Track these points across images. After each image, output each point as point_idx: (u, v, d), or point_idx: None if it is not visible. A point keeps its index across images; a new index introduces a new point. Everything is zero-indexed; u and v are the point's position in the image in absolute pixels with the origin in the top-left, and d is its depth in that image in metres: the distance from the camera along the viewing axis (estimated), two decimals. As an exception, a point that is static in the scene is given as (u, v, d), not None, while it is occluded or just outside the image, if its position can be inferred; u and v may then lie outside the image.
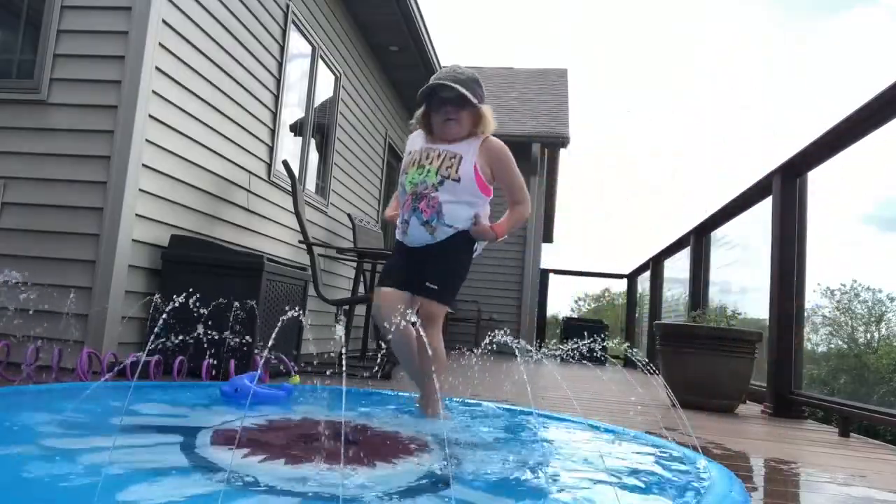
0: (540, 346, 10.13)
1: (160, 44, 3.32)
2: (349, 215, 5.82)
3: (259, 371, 2.72)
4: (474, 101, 2.49)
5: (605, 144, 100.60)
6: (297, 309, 3.89)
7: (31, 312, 2.98)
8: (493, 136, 2.59)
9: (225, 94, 4.02)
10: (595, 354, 2.11)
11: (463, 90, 2.44)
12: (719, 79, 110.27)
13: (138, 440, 1.70)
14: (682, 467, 1.85)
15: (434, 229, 2.43)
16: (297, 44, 5.15)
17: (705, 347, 4.20)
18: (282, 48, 4.80)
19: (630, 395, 4.38)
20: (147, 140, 3.28)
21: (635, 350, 3.12)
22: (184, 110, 3.59)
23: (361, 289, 5.39)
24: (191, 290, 2.34)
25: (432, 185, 2.42)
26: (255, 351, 3.30)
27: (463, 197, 2.43)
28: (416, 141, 2.63)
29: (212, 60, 3.84)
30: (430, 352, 2.32)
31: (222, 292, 3.16)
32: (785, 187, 4.28)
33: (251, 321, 3.33)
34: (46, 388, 2.32)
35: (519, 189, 2.56)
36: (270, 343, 3.39)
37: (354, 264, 5.62)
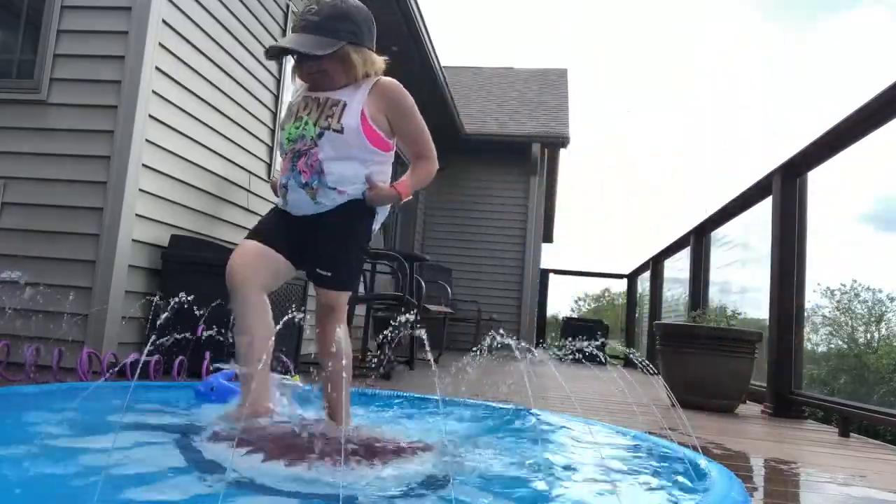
0: (539, 346, 10.13)
1: (160, 44, 3.32)
2: (349, 215, 5.81)
3: (233, 370, 2.57)
4: (322, 52, 2.00)
5: (605, 144, 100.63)
6: (300, 310, 3.89)
7: (31, 312, 2.98)
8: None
9: (225, 94, 4.02)
10: (595, 355, 2.09)
11: (304, 50, 2.02)
12: (719, 79, 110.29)
13: (138, 440, 1.70)
14: (682, 467, 1.85)
15: (315, 192, 1.99)
16: (297, 44, 5.14)
17: (705, 347, 4.20)
18: (282, 48, 4.79)
19: (630, 395, 4.38)
20: (147, 140, 3.28)
21: (634, 350, 3.12)
22: (184, 110, 3.59)
23: (361, 289, 5.38)
24: (191, 290, 2.34)
25: (311, 139, 1.99)
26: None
27: (350, 152, 1.99)
28: (298, 93, 2.21)
29: (212, 60, 3.84)
30: (333, 349, 1.99)
31: (222, 292, 3.15)
32: (785, 187, 4.28)
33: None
34: (46, 388, 2.32)
35: (423, 141, 2.13)
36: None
37: (354, 264, 5.61)
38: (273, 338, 2.02)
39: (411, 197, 2.14)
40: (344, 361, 2.00)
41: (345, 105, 2.01)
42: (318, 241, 2.04)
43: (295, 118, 2.07)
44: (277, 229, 2.08)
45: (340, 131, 1.98)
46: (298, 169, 2.00)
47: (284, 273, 2.09)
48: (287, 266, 2.06)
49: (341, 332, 2.04)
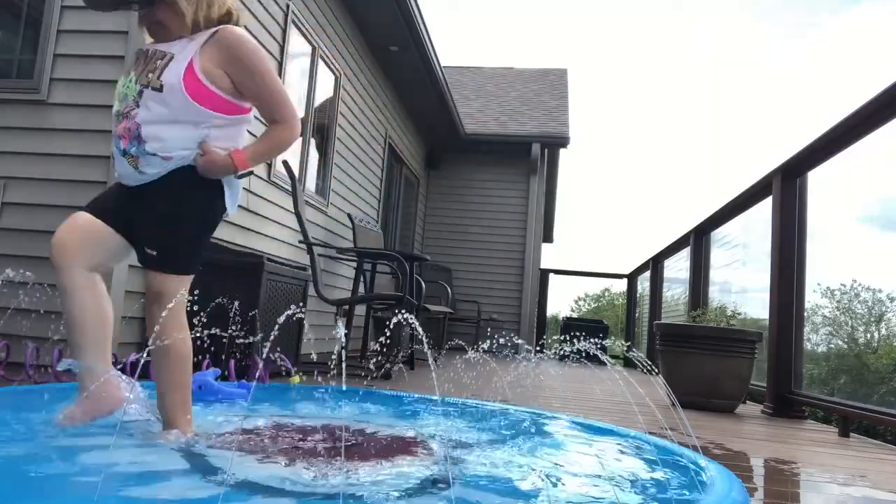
0: (541, 347, 10.14)
1: (160, 44, 3.31)
2: (349, 215, 5.82)
3: (217, 369, 2.65)
4: None
5: (605, 144, 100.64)
6: (299, 306, 3.90)
7: (31, 312, 2.98)
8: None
9: (225, 94, 4.02)
10: (595, 354, 2.10)
11: None
12: (720, 78, 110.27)
13: (138, 440, 1.70)
14: (682, 467, 1.85)
15: (137, 161, 1.72)
16: (297, 44, 5.15)
17: (705, 347, 4.20)
18: (282, 48, 4.80)
19: (630, 395, 4.38)
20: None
21: (634, 350, 3.12)
22: (184, 110, 3.59)
23: (361, 289, 5.38)
24: (190, 289, 2.34)
25: (133, 98, 1.74)
26: (256, 348, 3.30)
27: (176, 114, 1.72)
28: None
29: (212, 60, 3.83)
30: (166, 341, 1.75)
31: (222, 292, 3.16)
32: (785, 187, 4.28)
33: (251, 321, 3.33)
34: (46, 388, 2.32)
35: (276, 102, 1.84)
36: (270, 343, 3.40)
37: (354, 264, 5.62)
38: (110, 324, 1.80)
39: (252, 169, 1.85)
40: (171, 358, 1.80)
41: (171, 58, 1.73)
42: (146, 216, 1.78)
43: (125, 75, 1.80)
44: (113, 201, 1.83)
45: (160, 89, 1.70)
46: (118, 134, 1.75)
47: (118, 251, 1.84)
48: (122, 243, 1.82)
49: (175, 326, 1.80)
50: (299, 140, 5.42)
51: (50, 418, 1.77)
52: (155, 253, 1.76)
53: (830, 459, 2.63)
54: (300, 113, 5.37)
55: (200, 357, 2.99)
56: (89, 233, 1.77)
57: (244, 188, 4.33)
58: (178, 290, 1.79)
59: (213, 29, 1.79)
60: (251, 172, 1.85)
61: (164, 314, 1.73)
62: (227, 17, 1.88)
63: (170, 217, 1.78)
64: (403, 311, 1.99)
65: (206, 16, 1.79)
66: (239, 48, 1.79)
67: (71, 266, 1.72)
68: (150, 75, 1.72)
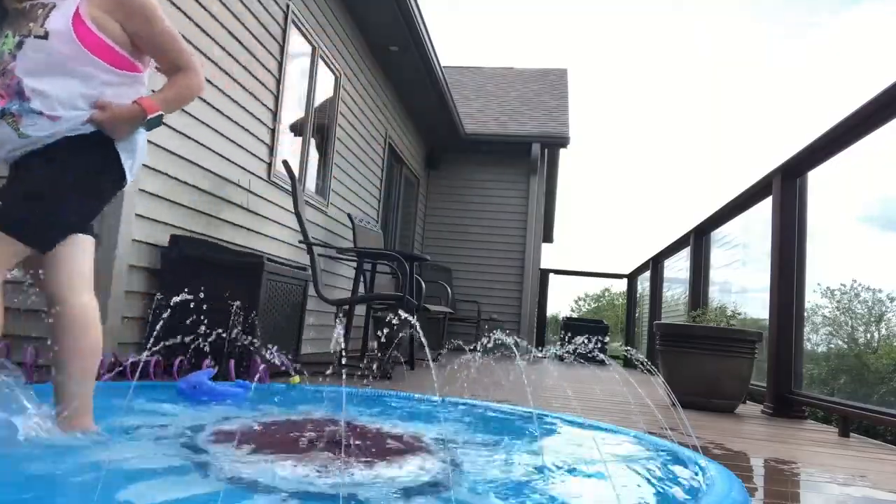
0: (538, 346, 10.13)
1: (160, 44, 3.31)
2: (349, 215, 5.82)
3: (211, 369, 2.64)
4: None
5: (605, 144, 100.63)
6: (297, 304, 3.90)
7: (31, 312, 2.97)
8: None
9: (225, 93, 4.02)
10: (594, 355, 2.09)
11: None
12: (720, 78, 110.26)
13: (138, 440, 1.70)
14: (682, 467, 1.85)
15: (18, 121, 1.52)
16: (297, 44, 5.15)
17: (705, 347, 4.20)
18: (282, 48, 4.80)
19: (630, 395, 4.38)
20: (147, 140, 3.27)
21: (634, 350, 3.12)
22: (184, 110, 3.59)
23: (361, 289, 5.38)
24: (191, 289, 2.34)
25: (9, 52, 1.55)
26: (254, 349, 3.30)
27: (64, 65, 1.55)
28: None
29: (212, 60, 3.84)
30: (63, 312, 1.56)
31: (222, 292, 3.16)
32: (785, 187, 4.28)
33: (251, 321, 3.33)
34: (46, 387, 2.31)
35: (175, 49, 1.73)
36: (270, 343, 3.39)
37: (354, 264, 5.62)
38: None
39: (162, 114, 1.69)
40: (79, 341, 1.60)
41: (53, 6, 1.57)
42: (23, 176, 1.56)
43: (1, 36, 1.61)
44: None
45: (44, 37, 1.53)
46: None
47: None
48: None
49: (79, 302, 1.62)
50: (299, 139, 5.42)
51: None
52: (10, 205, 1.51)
53: (830, 459, 2.63)
54: (304, 115, 5.37)
55: (201, 357, 2.99)
56: None
57: (244, 188, 4.35)
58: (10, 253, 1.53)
59: None
60: (161, 119, 1.67)
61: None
62: None
63: (50, 172, 1.55)
64: (403, 311, 1.99)
65: None
66: None
67: None
68: (31, 24, 1.55)
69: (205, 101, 3.79)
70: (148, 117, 1.64)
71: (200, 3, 3.68)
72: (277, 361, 3.34)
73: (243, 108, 4.27)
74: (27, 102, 1.53)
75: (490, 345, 2.01)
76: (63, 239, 1.62)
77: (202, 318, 2.68)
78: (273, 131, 4.74)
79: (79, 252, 1.64)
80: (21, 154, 1.57)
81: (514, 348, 1.82)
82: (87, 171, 1.60)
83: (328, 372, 2.76)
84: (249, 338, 3.18)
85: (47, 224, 1.57)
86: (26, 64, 1.54)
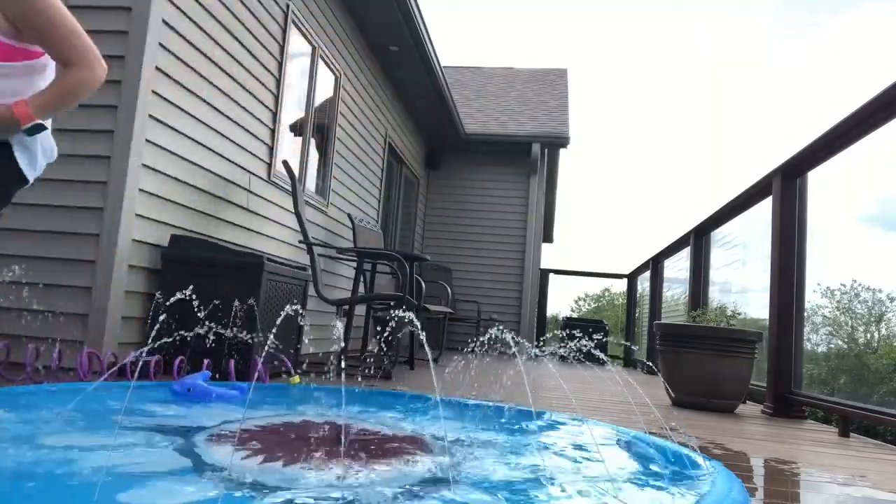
0: (538, 345, 10.13)
1: (160, 44, 3.32)
2: (349, 215, 5.82)
3: (209, 371, 2.58)
4: None
5: (605, 144, 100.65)
6: (295, 303, 3.90)
7: (31, 312, 2.98)
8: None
9: (225, 94, 4.02)
10: (594, 355, 2.09)
11: None
12: (720, 78, 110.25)
13: (138, 440, 1.70)
14: (682, 467, 1.85)
15: None
16: (297, 44, 5.15)
17: (705, 347, 4.20)
18: (282, 48, 4.80)
19: (630, 395, 4.38)
20: (147, 140, 3.28)
21: (635, 349, 3.12)
22: (184, 110, 3.59)
23: (361, 289, 5.38)
24: (191, 289, 2.34)
25: None
26: (255, 348, 3.30)
27: None
28: None
29: (212, 60, 3.84)
30: None
31: (222, 292, 3.17)
32: (785, 187, 4.28)
33: (251, 321, 3.33)
34: (47, 388, 2.32)
35: (64, 37, 1.58)
36: (270, 343, 3.39)
37: (354, 264, 5.62)
38: None
39: (43, 123, 1.60)
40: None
41: None
42: None
43: None
44: None
45: None
46: None
47: None
48: None
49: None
50: (299, 139, 5.42)
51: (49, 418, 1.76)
52: None
53: (830, 459, 2.63)
54: (304, 115, 5.37)
55: (201, 357, 2.99)
56: None
57: (244, 188, 4.35)
58: None
59: None
60: (43, 127, 1.58)
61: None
62: None
63: None
64: (403, 311, 1.99)
65: None
66: None
67: None
68: None
69: (205, 101, 3.79)
70: (23, 126, 1.50)
71: (200, 3, 3.68)
72: (277, 361, 3.34)
73: (243, 108, 4.27)
74: None
75: (488, 340, 2.01)
76: None
77: (202, 317, 2.68)
78: (273, 131, 4.74)
79: None
80: None
81: (513, 345, 1.81)
82: None
83: (328, 372, 2.76)
84: (249, 338, 3.18)
85: None
86: None
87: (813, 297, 4.58)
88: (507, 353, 6.75)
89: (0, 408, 1.98)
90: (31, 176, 1.62)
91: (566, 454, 2.06)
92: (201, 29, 3.69)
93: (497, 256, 9.94)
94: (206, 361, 2.94)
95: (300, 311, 4.08)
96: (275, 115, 4.74)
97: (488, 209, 10.05)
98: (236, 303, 3.29)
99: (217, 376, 3.00)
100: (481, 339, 2.12)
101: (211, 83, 3.84)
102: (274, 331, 3.53)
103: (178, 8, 3.45)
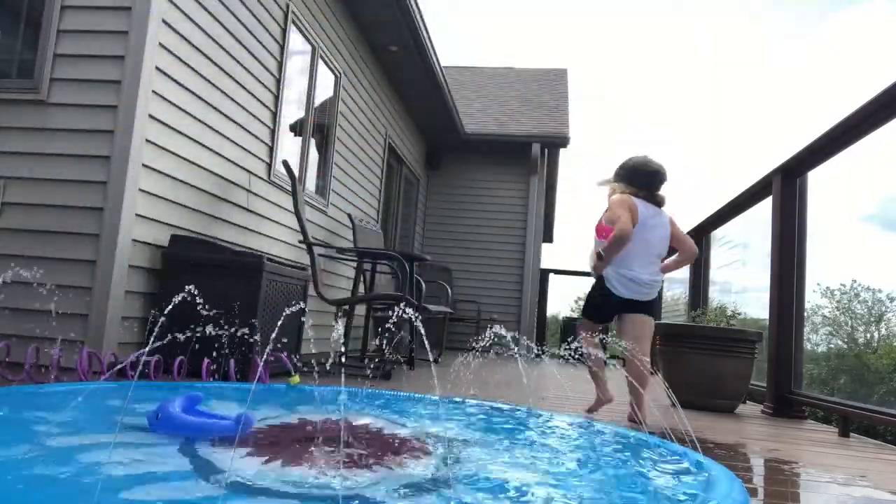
0: (538, 345, 10.14)
1: (160, 44, 3.32)
2: (349, 215, 5.82)
3: (201, 395, 1.91)
4: None
5: (605, 144, 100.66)
6: (297, 304, 3.90)
7: (31, 312, 2.98)
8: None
9: (225, 93, 4.02)
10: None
11: None
12: (720, 78, 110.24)
13: (138, 440, 1.70)
14: (682, 467, 1.85)
15: None
16: (297, 43, 5.15)
17: (705, 347, 4.20)
18: (282, 48, 4.80)
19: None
20: (147, 140, 3.28)
21: (635, 349, 3.12)
22: (184, 110, 3.59)
23: (361, 289, 5.38)
24: (191, 290, 2.34)
25: None
26: (256, 348, 3.30)
27: None
28: None
29: (212, 60, 3.84)
30: None
31: (222, 292, 3.17)
32: (785, 187, 4.28)
33: (251, 321, 3.33)
34: (46, 388, 2.32)
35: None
36: (270, 343, 3.39)
37: (354, 264, 5.62)
38: None
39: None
40: None
41: None
42: None
43: None
44: None
45: None
46: None
47: None
48: None
49: None
50: (299, 139, 5.42)
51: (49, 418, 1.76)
52: None
53: (830, 459, 2.63)
54: (304, 115, 5.37)
55: (201, 357, 2.99)
56: None
57: (244, 188, 4.35)
58: None
59: None
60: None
61: None
62: None
63: None
64: (403, 311, 1.98)
65: None
66: None
67: None
68: None
69: (205, 100, 3.79)
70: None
71: (200, 3, 3.68)
72: (276, 361, 3.34)
73: (243, 107, 4.27)
74: None
75: (488, 341, 2.01)
76: None
77: (202, 317, 2.68)
78: (273, 131, 4.74)
79: None
80: None
81: (513, 344, 1.81)
82: None
83: (328, 372, 2.76)
84: (249, 337, 3.18)
85: None
86: None
87: (813, 297, 4.60)
88: (503, 353, 6.75)
89: (0, 408, 1.98)
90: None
91: (564, 454, 2.06)
92: (201, 29, 3.69)
93: (497, 256, 9.94)
94: (206, 362, 2.94)
95: (301, 311, 4.08)
96: (275, 115, 4.74)
97: (488, 209, 10.05)
98: (236, 304, 3.29)
99: (216, 376, 3.00)
100: (482, 339, 2.12)
101: (211, 83, 3.84)
102: (274, 332, 3.54)
103: (178, 8, 3.45)
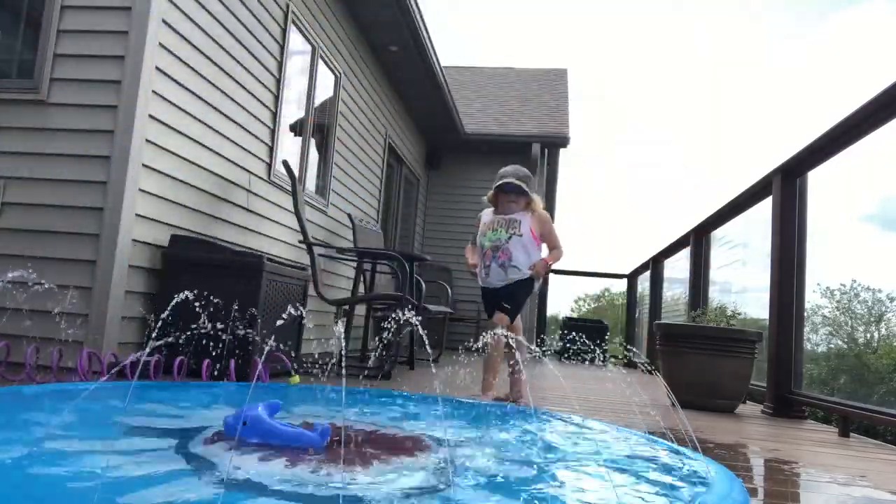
0: (538, 344, 10.13)
1: (160, 44, 3.31)
2: (349, 215, 5.81)
3: (279, 403, 1.83)
4: None
5: (605, 144, 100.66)
6: (297, 307, 3.90)
7: (31, 312, 2.98)
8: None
9: (225, 93, 4.02)
10: (595, 354, 2.09)
11: None
12: (720, 78, 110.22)
13: (138, 440, 1.70)
14: (682, 467, 1.85)
15: None
16: (297, 43, 5.15)
17: (705, 347, 4.20)
18: (282, 48, 4.80)
19: (630, 395, 4.37)
20: (147, 140, 3.28)
21: (635, 350, 3.13)
22: (184, 110, 3.59)
23: (361, 289, 5.38)
24: (191, 290, 2.34)
25: None
26: (256, 346, 3.30)
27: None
28: None
29: (212, 60, 3.84)
30: None
31: (222, 292, 3.16)
32: (785, 187, 4.28)
33: (251, 321, 3.33)
34: (46, 388, 2.32)
35: (553, 239, 3.98)
36: (270, 343, 3.39)
37: (354, 264, 5.62)
38: None
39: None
40: None
41: None
42: None
43: None
44: None
45: None
46: None
47: None
48: None
49: None
50: (299, 139, 5.42)
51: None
52: None
53: (830, 459, 2.63)
54: (304, 115, 5.37)
55: (201, 357, 2.99)
56: None
57: (244, 188, 4.35)
58: None
59: None
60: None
61: None
62: None
63: None
64: (403, 311, 1.98)
65: None
66: None
67: None
68: None
69: (205, 100, 3.79)
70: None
71: (200, 3, 3.68)
72: (276, 361, 3.34)
73: (243, 107, 4.27)
74: None
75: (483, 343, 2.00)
76: None
77: (202, 317, 2.68)
78: (273, 131, 4.74)
79: None
80: None
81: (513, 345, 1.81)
82: None
83: (328, 372, 2.76)
84: (249, 337, 3.18)
85: None
86: None
87: (813, 297, 4.59)
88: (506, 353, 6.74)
89: (0, 408, 1.98)
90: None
91: (564, 454, 2.06)
92: (201, 29, 3.69)
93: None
94: (206, 362, 2.94)
95: (300, 311, 4.08)
96: (275, 115, 4.74)
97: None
98: (236, 304, 3.29)
99: (217, 374, 3.00)
100: (482, 339, 2.12)
101: (211, 83, 3.84)
102: (274, 332, 3.54)
103: (178, 8, 3.45)
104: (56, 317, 2.98)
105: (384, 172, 7.90)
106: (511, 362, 3.54)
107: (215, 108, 3.92)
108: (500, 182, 3.78)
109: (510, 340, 3.21)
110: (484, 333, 2.63)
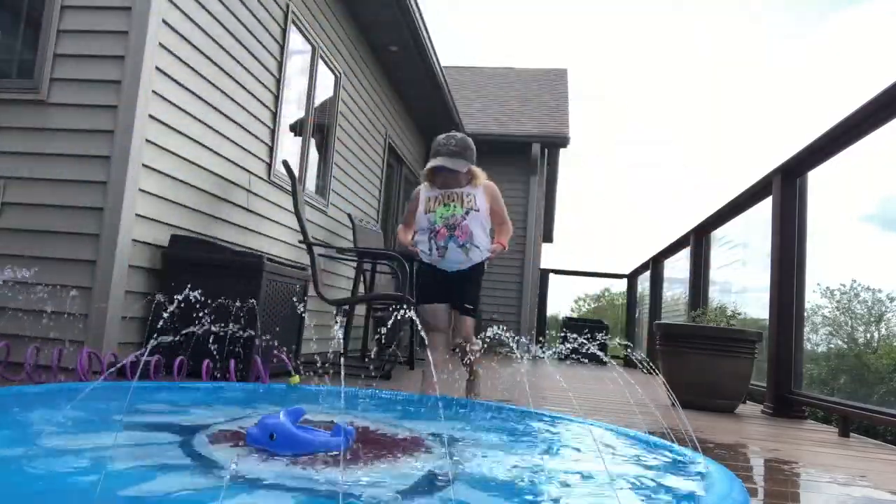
0: (538, 344, 10.14)
1: (160, 44, 3.32)
2: (349, 215, 5.82)
3: (302, 408, 1.72)
4: None
5: (604, 144, 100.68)
6: (297, 305, 3.90)
7: (31, 312, 2.98)
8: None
9: (225, 94, 4.02)
10: (595, 354, 2.09)
11: None
12: (720, 78, 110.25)
13: (138, 440, 1.70)
14: (682, 467, 1.85)
15: None
16: (297, 43, 5.15)
17: (705, 347, 4.20)
18: (282, 48, 4.80)
19: (630, 395, 4.38)
20: (147, 140, 3.28)
21: (635, 350, 3.13)
22: (184, 110, 3.59)
23: (361, 289, 5.38)
24: (191, 289, 2.34)
25: None
26: (258, 345, 3.30)
27: None
28: None
29: (212, 60, 3.84)
30: None
31: (222, 292, 3.16)
32: (785, 187, 4.28)
33: (251, 321, 3.33)
34: (46, 388, 2.32)
35: (503, 219, 3.31)
36: (270, 343, 3.39)
37: (354, 264, 5.62)
38: None
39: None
40: None
41: None
42: None
43: None
44: None
45: None
46: None
47: None
48: None
49: None
50: (299, 139, 5.42)
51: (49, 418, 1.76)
52: None
53: (830, 459, 2.63)
54: (304, 115, 5.37)
55: (201, 357, 2.99)
56: None
57: (244, 188, 4.35)
58: None
59: None
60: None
61: None
62: None
63: None
64: (403, 311, 1.98)
65: None
66: None
67: None
68: None
69: (205, 101, 3.79)
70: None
71: (200, 3, 3.68)
72: (277, 360, 3.34)
73: (243, 107, 4.27)
74: None
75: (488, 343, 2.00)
76: None
77: (202, 317, 2.68)
78: (273, 131, 4.74)
79: None
80: None
81: (514, 346, 1.81)
82: None
83: (328, 372, 2.76)
84: (250, 337, 3.18)
85: None
86: None
87: (813, 297, 4.58)
88: (502, 352, 6.76)
89: (0, 407, 1.98)
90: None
91: (564, 454, 2.06)
92: (201, 29, 3.69)
93: (497, 256, 9.93)
94: (206, 362, 2.94)
95: (300, 312, 4.08)
96: (275, 115, 4.74)
97: (488, 209, 10.04)
98: (236, 304, 3.29)
99: (217, 375, 3.00)
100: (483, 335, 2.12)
101: (211, 83, 3.84)
102: (274, 332, 3.54)
103: (178, 8, 3.45)
104: (56, 317, 2.98)
105: (384, 172, 7.90)
106: (465, 362, 3.30)
107: (215, 108, 3.92)
108: (438, 161, 3.17)
109: (470, 355, 3.09)
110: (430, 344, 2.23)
